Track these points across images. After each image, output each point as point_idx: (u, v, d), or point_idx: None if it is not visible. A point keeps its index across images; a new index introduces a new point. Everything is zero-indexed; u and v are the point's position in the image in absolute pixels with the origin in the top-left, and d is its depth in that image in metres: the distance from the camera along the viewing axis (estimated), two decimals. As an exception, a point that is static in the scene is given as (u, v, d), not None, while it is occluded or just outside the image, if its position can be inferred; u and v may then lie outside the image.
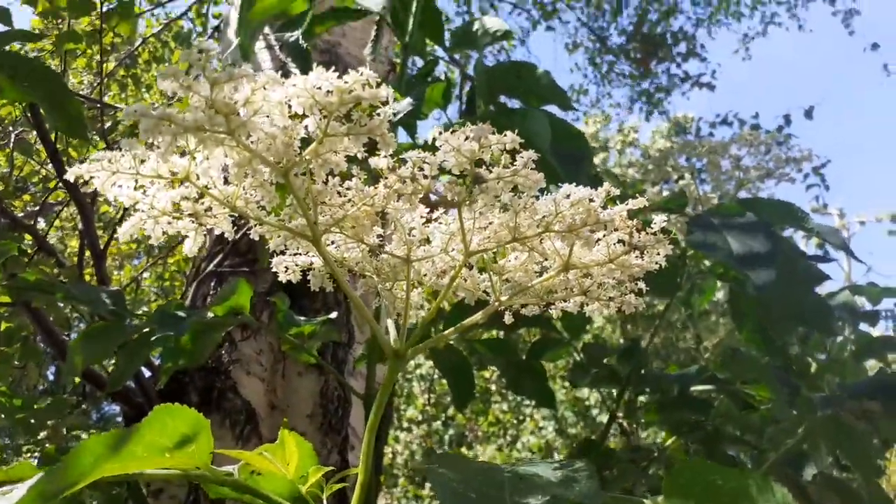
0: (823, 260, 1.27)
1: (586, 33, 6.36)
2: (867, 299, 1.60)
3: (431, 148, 0.53)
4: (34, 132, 1.72)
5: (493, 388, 4.94)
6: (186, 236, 0.60)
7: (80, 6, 1.36)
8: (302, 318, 1.33)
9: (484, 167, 0.55)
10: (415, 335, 0.60)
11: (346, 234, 0.63)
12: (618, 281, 0.68)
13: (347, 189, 0.59)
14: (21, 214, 2.11)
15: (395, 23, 1.37)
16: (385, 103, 0.49)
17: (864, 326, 1.65)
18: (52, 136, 1.34)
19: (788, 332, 1.27)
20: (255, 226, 0.61)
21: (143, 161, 0.53)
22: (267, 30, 1.70)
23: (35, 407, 1.42)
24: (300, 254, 0.66)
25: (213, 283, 1.72)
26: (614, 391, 1.67)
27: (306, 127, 0.52)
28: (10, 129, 1.74)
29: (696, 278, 1.52)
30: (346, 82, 0.48)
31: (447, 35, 1.47)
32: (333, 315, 1.37)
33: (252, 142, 0.51)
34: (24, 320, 1.56)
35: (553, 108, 1.40)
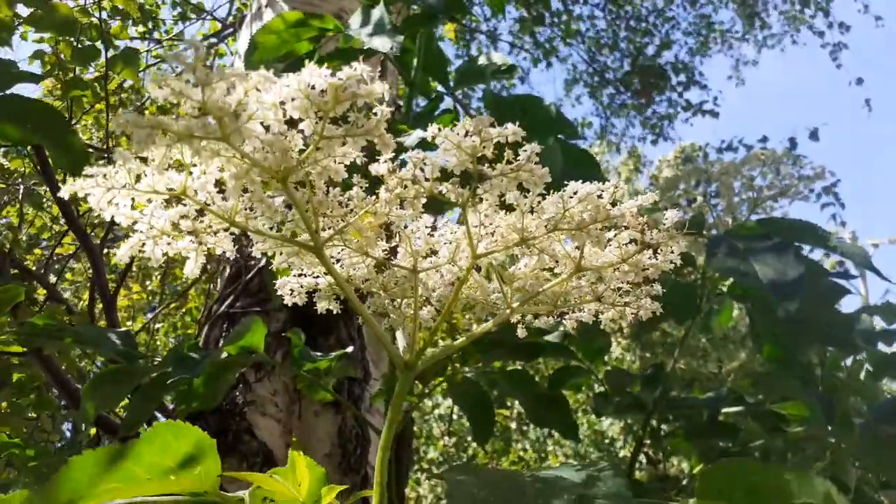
0: (844, 277, 1.24)
1: (585, 68, 6.43)
2: (882, 319, 1.56)
3: (430, 147, 0.52)
4: (44, 186, 1.73)
5: (514, 426, 4.85)
6: (187, 257, 0.58)
7: (85, 55, 1.38)
8: (317, 353, 1.31)
9: (487, 165, 0.54)
10: (423, 344, 0.58)
11: (350, 247, 0.61)
12: (633, 284, 0.66)
13: (349, 199, 0.58)
14: (33, 268, 2.12)
15: (400, 64, 1.38)
16: (382, 101, 0.48)
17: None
18: (60, 180, 1.34)
19: (809, 350, 1.24)
20: (258, 242, 0.60)
21: (138, 177, 0.52)
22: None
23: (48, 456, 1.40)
24: (305, 274, 0.65)
25: (224, 325, 1.71)
26: (638, 421, 1.63)
27: (303, 133, 0.51)
28: (20, 182, 1.76)
29: (715, 301, 1.49)
30: (340, 79, 0.46)
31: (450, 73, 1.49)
32: (349, 349, 1.35)
33: (248, 150, 0.50)
34: (38, 371, 1.54)
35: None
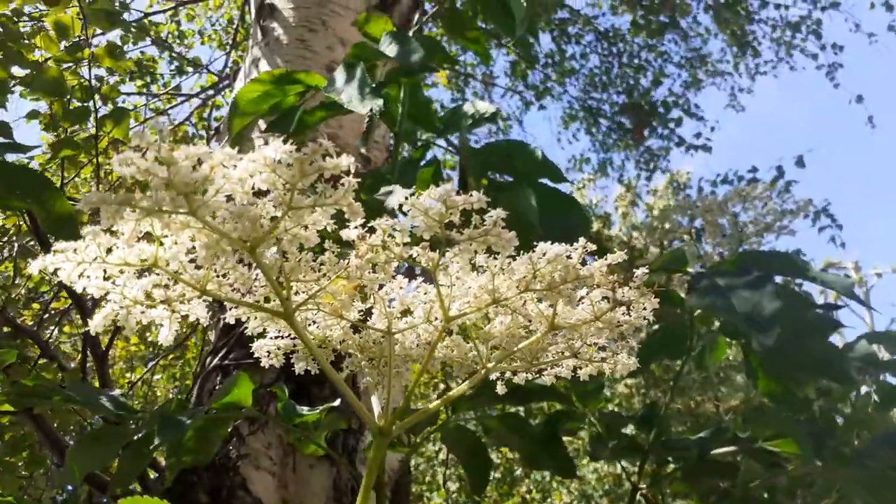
0: (831, 308, 1.24)
1: (578, 106, 6.50)
2: (885, 348, 1.55)
3: (399, 214, 0.53)
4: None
5: (517, 467, 4.78)
6: (161, 325, 0.59)
7: (77, 114, 1.41)
8: (306, 407, 1.30)
9: (455, 230, 0.55)
10: (399, 409, 0.58)
11: (324, 310, 0.62)
12: (610, 340, 0.66)
13: (321, 264, 0.59)
14: (31, 323, 2.13)
15: (386, 116, 1.40)
16: (347, 172, 0.49)
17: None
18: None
19: (803, 384, 1.23)
20: (231, 308, 0.60)
21: (109, 250, 0.53)
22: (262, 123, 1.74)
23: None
24: (281, 336, 0.65)
25: (218, 378, 1.70)
26: (635, 463, 1.61)
27: (273, 202, 0.51)
28: (14, 238, 1.77)
29: (707, 338, 1.48)
30: (304, 154, 0.47)
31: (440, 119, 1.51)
32: (337, 402, 1.34)
33: (217, 221, 0.51)
34: (30, 429, 1.54)
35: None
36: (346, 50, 2.22)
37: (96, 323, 0.56)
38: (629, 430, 1.58)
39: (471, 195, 0.51)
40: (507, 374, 0.67)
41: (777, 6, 6.11)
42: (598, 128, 6.42)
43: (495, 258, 0.58)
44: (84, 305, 1.46)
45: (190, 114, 3.26)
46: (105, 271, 0.54)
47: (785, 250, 1.38)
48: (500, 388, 0.69)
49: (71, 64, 1.56)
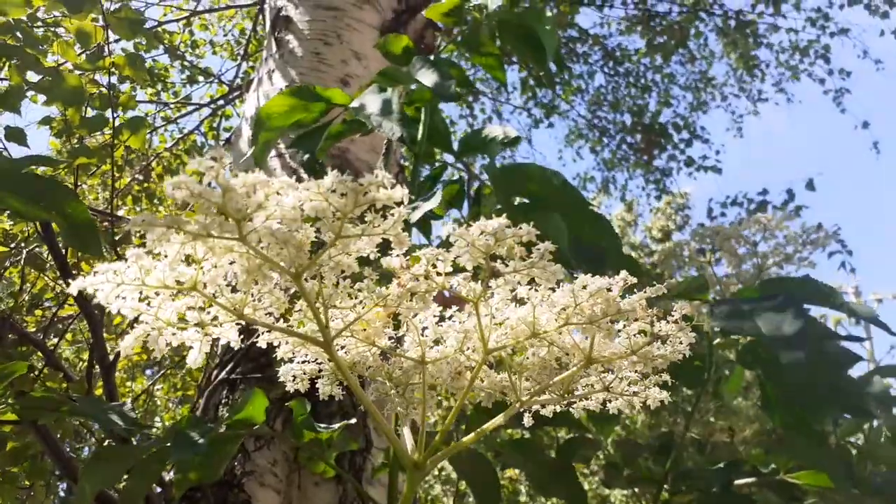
0: (854, 340, 1.22)
1: (586, 125, 6.52)
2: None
3: (445, 244, 0.52)
4: (46, 248, 1.73)
5: (524, 489, 4.74)
6: (191, 347, 0.58)
7: (94, 123, 1.40)
8: (320, 424, 1.29)
9: (499, 261, 0.54)
10: (434, 443, 0.57)
11: (357, 337, 0.61)
12: (641, 374, 0.65)
13: (359, 291, 0.58)
14: (34, 330, 2.11)
15: (408, 138, 1.39)
16: (399, 203, 0.48)
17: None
18: (64, 250, 1.34)
19: (825, 417, 1.21)
20: (263, 332, 0.59)
21: (148, 272, 0.52)
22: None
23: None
24: (308, 361, 0.64)
25: (224, 391, 1.68)
26: (648, 492, 1.59)
27: (317, 230, 0.51)
28: (23, 245, 1.76)
29: (724, 368, 1.47)
30: (360, 184, 0.47)
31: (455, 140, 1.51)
32: (352, 421, 1.32)
33: (262, 247, 0.50)
34: (32, 440, 1.52)
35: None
36: (360, 64, 2.22)
37: (127, 344, 0.55)
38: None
39: (520, 228, 0.50)
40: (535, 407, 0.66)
41: (788, 30, 6.14)
42: (603, 146, 6.44)
43: (536, 289, 0.57)
44: (93, 315, 1.45)
45: (199, 123, 3.26)
46: (141, 292, 0.53)
47: (804, 276, 1.36)
48: (528, 420, 0.68)
49: (88, 71, 1.56)
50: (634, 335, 0.62)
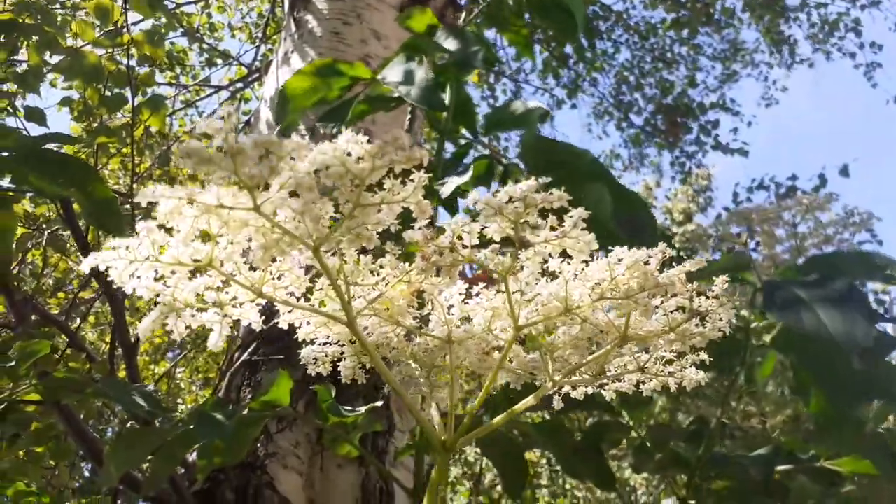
0: (891, 321, 1.18)
1: (611, 101, 6.41)
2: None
3: (471, 215, 0.49)
4: (68, 231, 1.73)
5: (543, 472, 4.73)
6: (211, 329, 0.55)
7: (113, 102, 1.39)
8: (345, 407, 1.27)
9: (529, 231, 0.51)
10: (463, 425, 0.54)
11: (381, 316, 0.58)
12: (677, 353, 0.62)
13: (381, 267, 0.55)
14: (57, 311, 2.12)
15: (428, 113, 1.36)
16: (420, 166, 0.45)
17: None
18: (85, 231, 1.33)
19: (860, 404, 1.17)
20: (285, 312, 0.57)
21: (162, 249, 0.49)
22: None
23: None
24: (330, 343, 0.61)
25: (246, 373, 1.68)
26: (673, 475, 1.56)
27: (335, 201, 0.48)
28: (45, 227, 1.76)
29: (759, 353, 1.42)
30: (377, 145, 0.44)
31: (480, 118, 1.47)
32: (378, 404, 1.31)
33: (279, 219, 0.47)
34: (56, 420, 1.52)
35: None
36: (380, 44, 2.19)
37: (144, 327, 0.52)
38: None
39: (551, 193, 0.47)
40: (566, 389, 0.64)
41: (818, 5, 5.98)
42: (629, 124, 6.33)
43: (568, 263, 0.54)
44: (115, 296, 1.44)
45: (218, 106, 3.25)
46: (156, 272, 0.50)
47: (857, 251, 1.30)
48: (557, 403, 0.65)
49: (108, 50, 1.54)
50: (672, 312, 0.59)
